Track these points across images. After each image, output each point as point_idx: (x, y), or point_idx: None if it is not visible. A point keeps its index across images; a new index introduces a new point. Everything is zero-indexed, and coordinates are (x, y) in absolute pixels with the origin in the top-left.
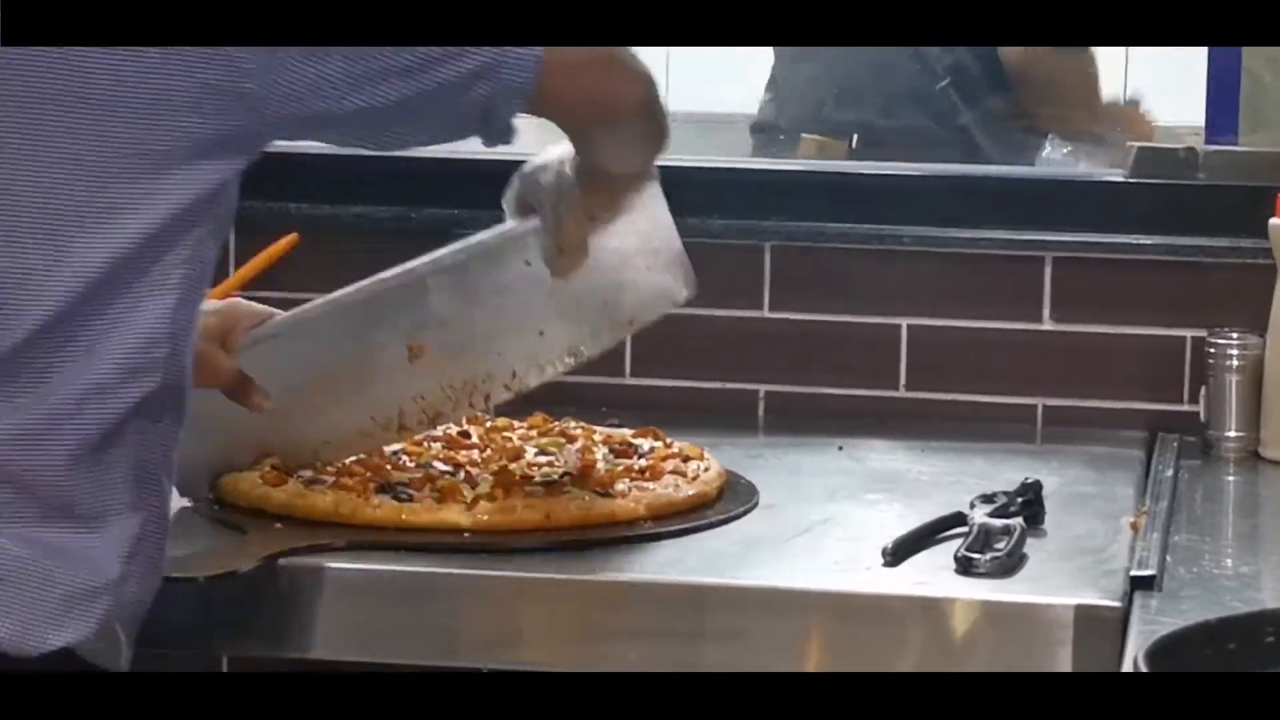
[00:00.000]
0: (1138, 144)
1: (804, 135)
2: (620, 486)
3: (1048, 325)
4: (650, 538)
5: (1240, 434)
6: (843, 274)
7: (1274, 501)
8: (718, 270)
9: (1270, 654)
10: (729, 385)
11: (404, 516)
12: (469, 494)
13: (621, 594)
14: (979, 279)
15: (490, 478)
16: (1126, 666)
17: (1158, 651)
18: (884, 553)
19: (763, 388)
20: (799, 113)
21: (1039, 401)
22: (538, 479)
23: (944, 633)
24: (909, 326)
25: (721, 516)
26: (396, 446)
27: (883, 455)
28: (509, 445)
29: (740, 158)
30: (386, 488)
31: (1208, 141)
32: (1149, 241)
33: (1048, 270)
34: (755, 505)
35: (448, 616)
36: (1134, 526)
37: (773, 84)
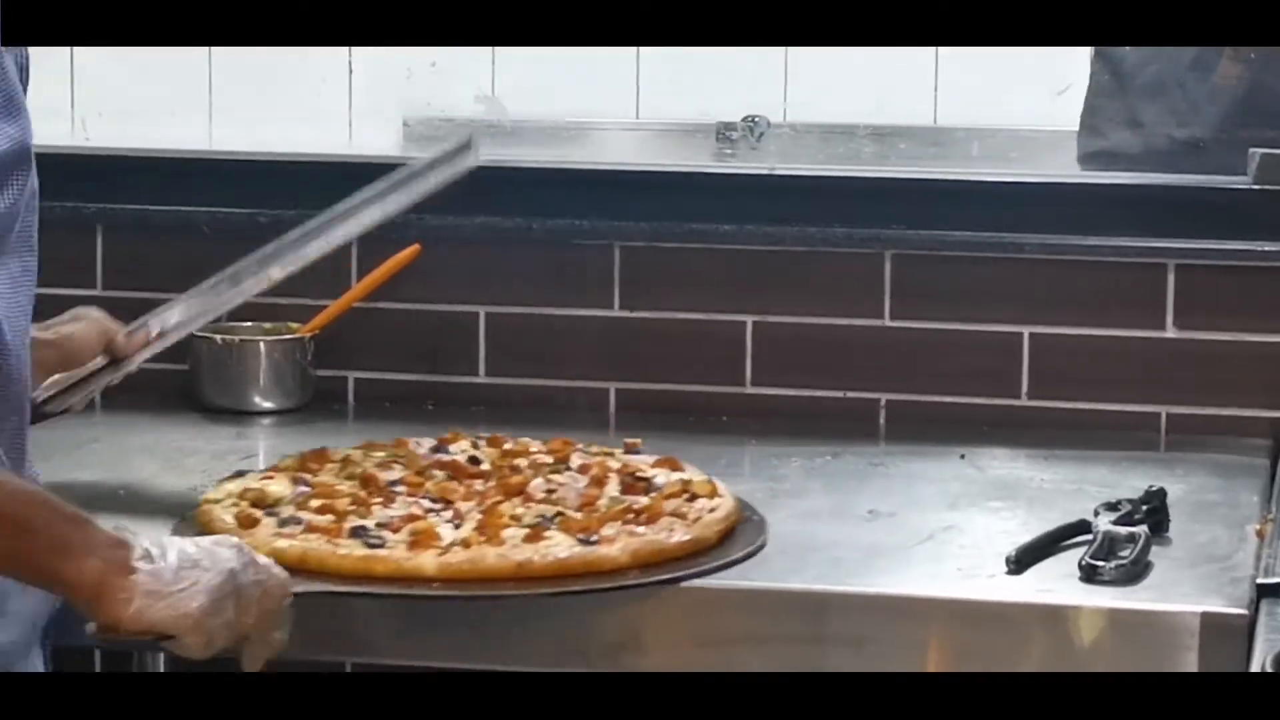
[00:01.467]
0: (1261, 150)
1: None
2: (608, 531)
3: (1170, 333)
4: (632, 589)
5: None
6: (964, 282)
7: None
8: (838, 279)
9: None
10: (850, 394)
11: (372, 566)
12: (446, 538)
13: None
14: (1101, 286)
15: (477, 518)
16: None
17: None
18: (1008, 560)
19: (884, 396)
20: None
21: (1162, 410)
22: (525, 520)
23: (1068, 640)
24: (1030, 334)
25: (715, 564)
26: (395, 476)
27: (1004, 463)
28: (513, 479)
29: (862, 165)
30: (359, 531)
31: None
32: (1272, 248)
33: (1171, 277)
34: (759, 549)
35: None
36: (1260, 534)
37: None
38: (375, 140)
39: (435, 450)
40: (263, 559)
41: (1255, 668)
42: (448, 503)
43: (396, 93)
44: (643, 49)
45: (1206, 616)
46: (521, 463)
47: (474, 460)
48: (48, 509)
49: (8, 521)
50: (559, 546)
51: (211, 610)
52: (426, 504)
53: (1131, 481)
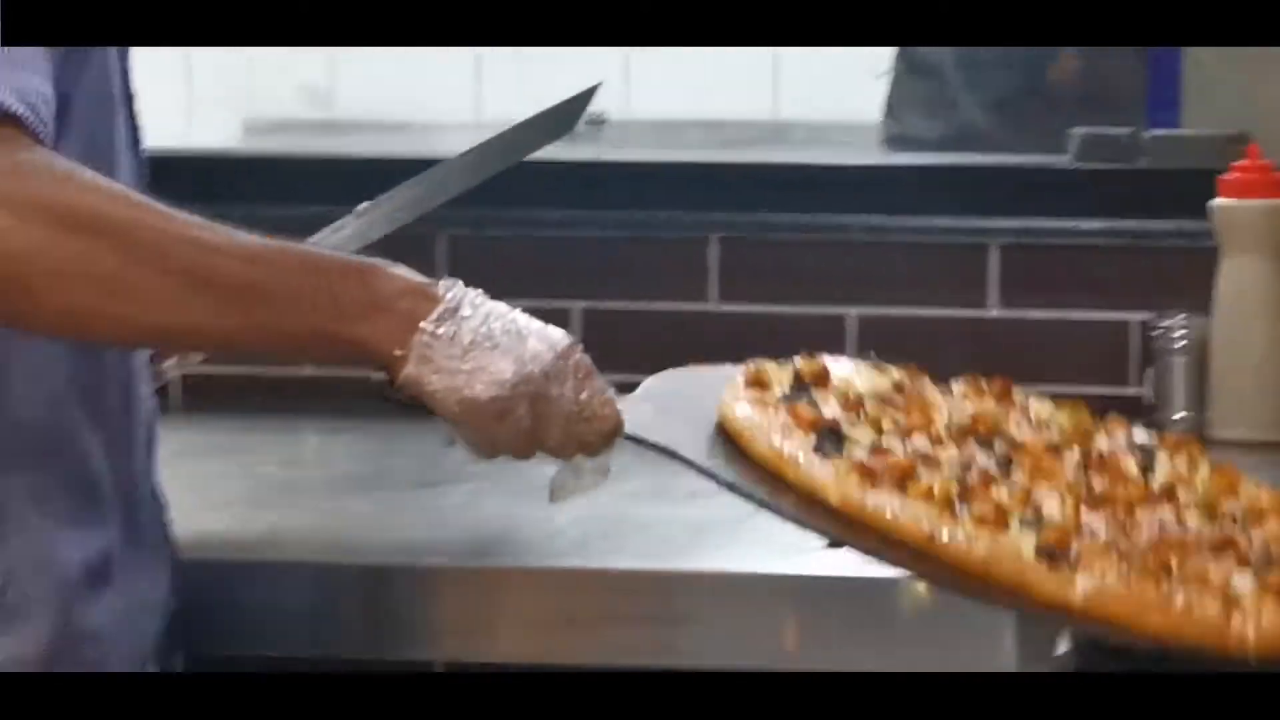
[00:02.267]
0: (1081, 130)
1: None
2: None
3: (994, 312)
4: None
5: (1187, 415)
6: (790, 265)
7: None
8: (663, 263)
9: None
10: None
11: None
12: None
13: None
14: (926, 267)
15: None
16: None
17: None
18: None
19: None
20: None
21: None
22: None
23: (892, 610)
24: (858, 316)
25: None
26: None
27: None
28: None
29: (686, 150)
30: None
31: (1150, 126)
32: (1094, 226)
33: (994, 257)
34: None
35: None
36: None
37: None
38: (213, 137)
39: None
40: (600, 379)
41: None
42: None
43: (236, 89)
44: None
45: None
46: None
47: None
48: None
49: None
50: None
51: (495, 410)
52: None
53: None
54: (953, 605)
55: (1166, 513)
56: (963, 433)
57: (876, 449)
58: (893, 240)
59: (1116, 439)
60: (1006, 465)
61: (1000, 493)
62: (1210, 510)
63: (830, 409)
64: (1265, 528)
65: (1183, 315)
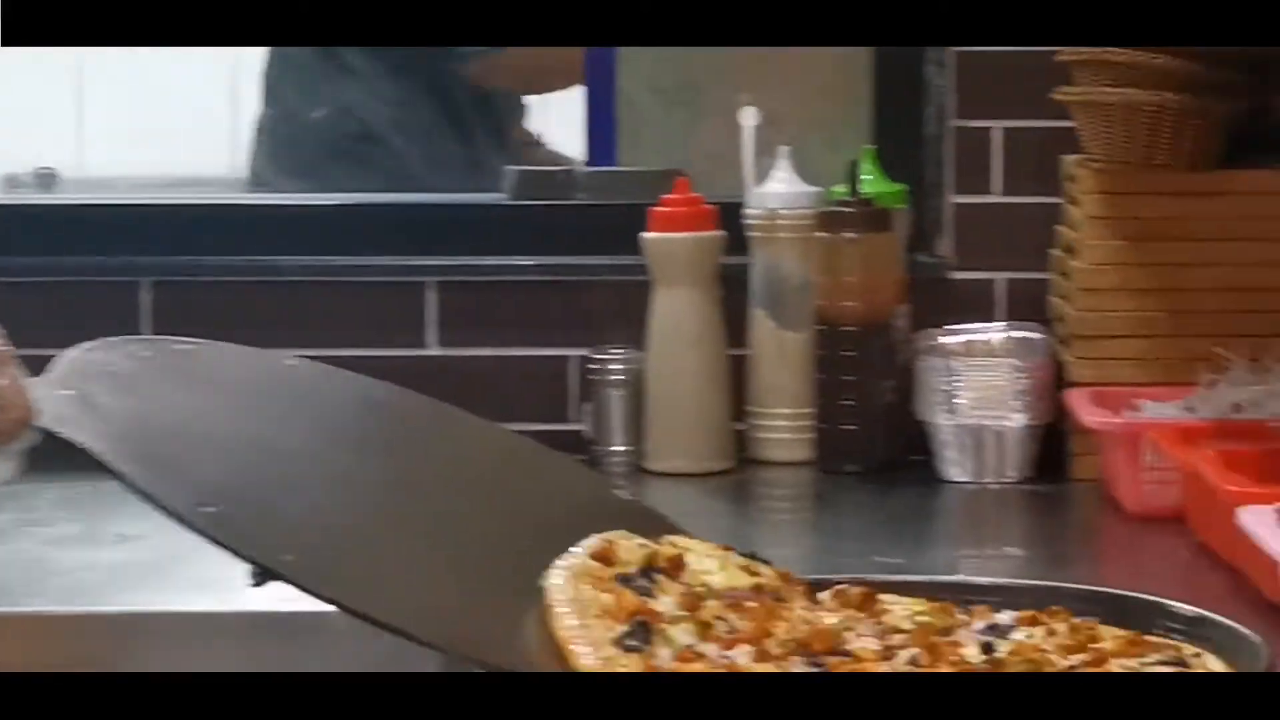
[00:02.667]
0: (517, 168)
1: None
2: None
3: (434, 350)
4: None
5: (626, 448)
6: (224, 306)
7: (656, 507)
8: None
9: None
10: None
11: None
12: None
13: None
14: (363, 307)
15: None
16: None
17: None
18: (252, 574)
19: None
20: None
21: None
22: None
23: (316, 645)
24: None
25: None
26: None
27: None
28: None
29: (109, 194)
30: None
31: (588, 164)
32: (531, 262)
33: (431, 295)
34: None
35: None
36: None
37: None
38: None
39: None
40: (17, 368)
41: None
42: None
43: None
44: None
45: None
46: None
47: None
48: None
49: None
50: None
51: None
52: None
53: None
54: None
55: None
56: (795, 648)
57: (685, 654)
58: (328, 279)
59: (974, 627)
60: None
61: None
62: (1036, 668)
63: (664, 603)
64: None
65: (619, 349)
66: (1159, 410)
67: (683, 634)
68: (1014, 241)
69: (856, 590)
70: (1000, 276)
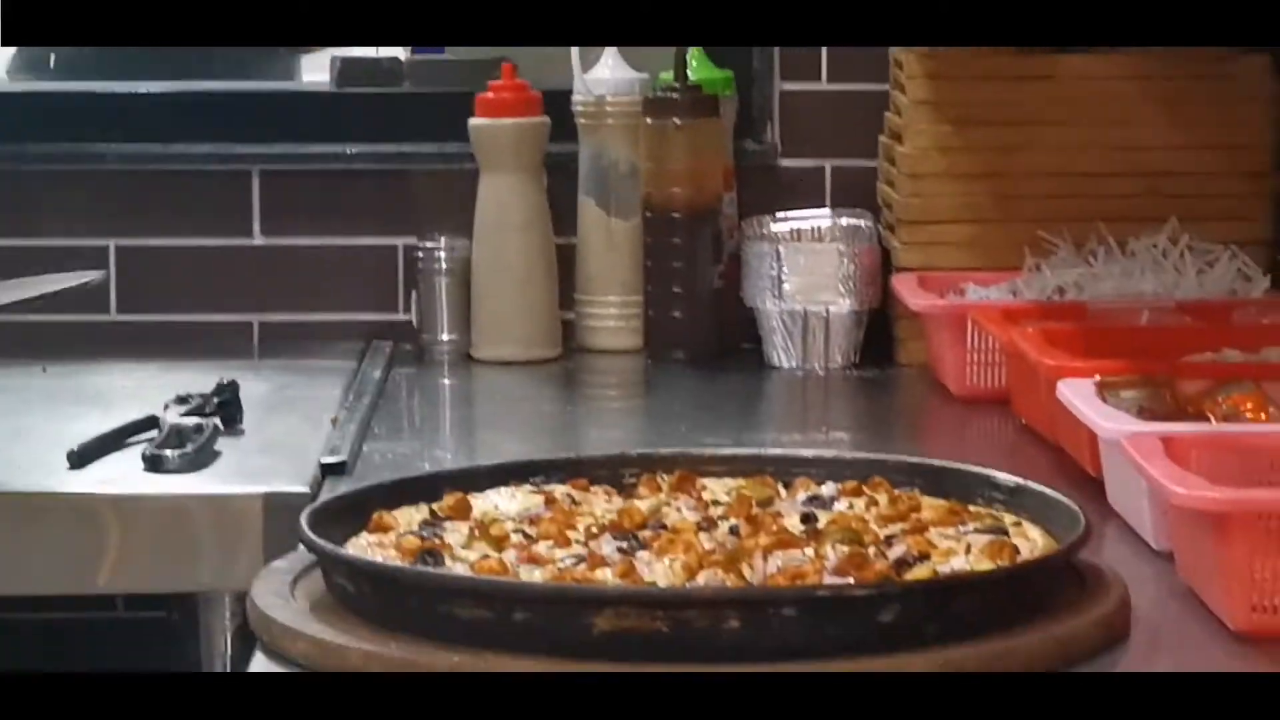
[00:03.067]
0: (341, 55)
1: None
2: None
3: (259, 240)
4: None
5: (452, 337)
6: (45, 198)
7: (484, 395)
8: None
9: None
10: None
11: None
12: None
13: None
14: (186, 195)
15: None
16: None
17: (318, 512)
18: (69, 455)
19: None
20: None
21: (254, 318)
22: None
23: (139, 528)
24: (117, 247)
25: None
26: None
27: (92, 376)
28: None
29: None
30: None
31: (415, 52)
32: (356, 151)
33: (255, 184)
34: None
35: None
36: (333, 421)
37: None
38: None
39: None
40: None
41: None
42: None
43: None
44: None
45: (270, 496)
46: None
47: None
48: None
49: None
50: None
51: None
52: None
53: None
54: None
55: (805, 552)
56: (600, 531)
57: (480, 563)
58: (151, 168)
59: (796, 498)
60: (634, 550)
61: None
62: (855, 539)
63: (454, 538)
64: (912, 539)
65: (445, 238)
66: (983, 294)
67: (473, 554)
68: (841, 128)
69: (671, 476)
70: (827, 163)
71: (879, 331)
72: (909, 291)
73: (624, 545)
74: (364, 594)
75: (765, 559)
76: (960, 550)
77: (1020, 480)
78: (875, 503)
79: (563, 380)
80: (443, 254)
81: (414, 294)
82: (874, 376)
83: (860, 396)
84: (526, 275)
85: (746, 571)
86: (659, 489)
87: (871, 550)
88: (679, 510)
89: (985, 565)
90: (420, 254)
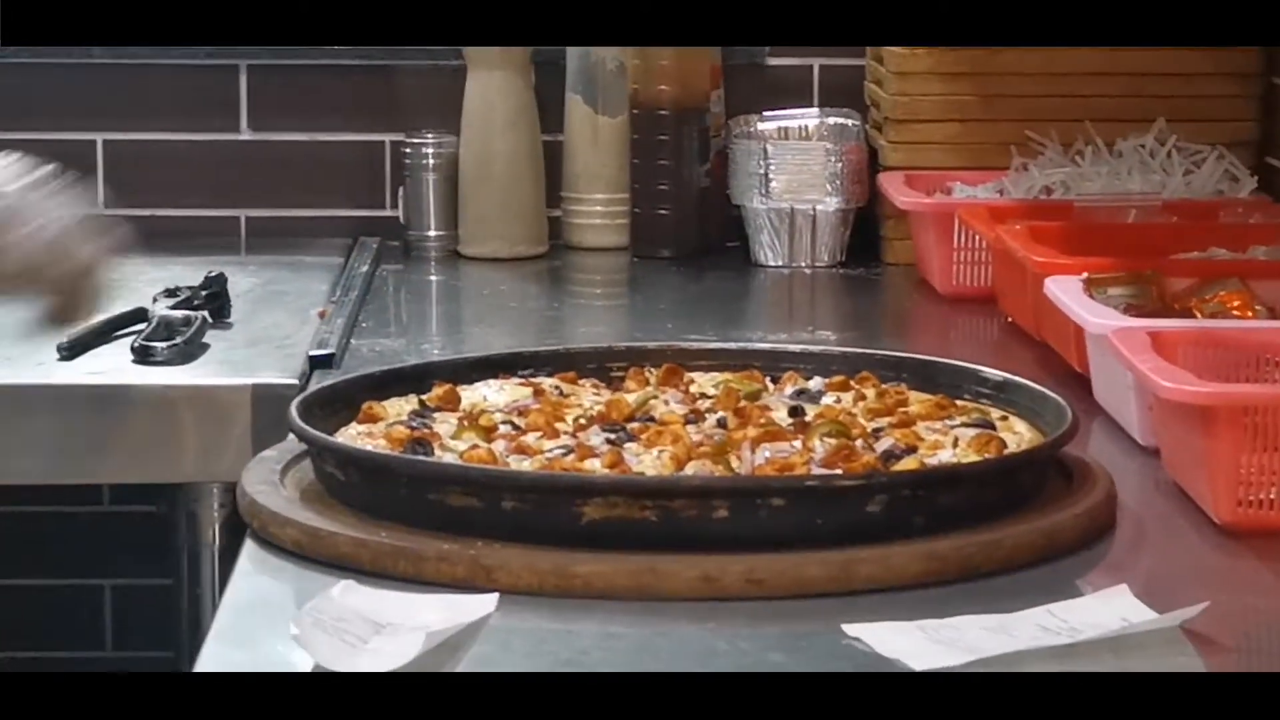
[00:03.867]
0: None
1: None
2: None
3: (246, 135)
4: None
5: (440, 233)
6: (33, 91)
7: (470, 291)
8: None
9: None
10: None
11: None
12: None
13: None
14: (175, 89)
15: None
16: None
17: (307, 401)
18: (59, 348)
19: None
20: None
21: (241, 213)
22: None
23: (128, 419)
24: (105, 142)
25: None
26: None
27: None
28: None
29: None
30: None
31: None
32: (343, 46)
33: (244, 79)
34: None
35: None
36: (321, 315)
37: None
38: None
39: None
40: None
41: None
42: None
43: None
44: None
45: (259, 388)
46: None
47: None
48: None
49: None
50: None
51: None
52: None
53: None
54: None
55: (792, 444)
56: (589, 423)
57: (469, 453)
58: (139, 62)
59: (783, 392)
60: (623, 442)
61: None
62: (843, 432)
63: (444, 428)
64: (899, 433)
65: (432, 134)
66: (970, 193)
67: (461, 444)
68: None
69: (659, 370)
70: (815, 62)
71: (866, 230)
72: (896, 190)
73: (612, 436)
74: (353, 482)
75: (753, 451)
76: (947, 443)
77: (1007, 375)
78: (863, 396)
79: (549, 277)
80: (430, 150)
81: (401, 190)
82: (860, 275)
83: (846, 295)
84: (513, 172)
85: (734, 463)
86: (646, 382)
87: (859, 443)
88: (666, 403)
89: (972, 458)
90: (407, 150)
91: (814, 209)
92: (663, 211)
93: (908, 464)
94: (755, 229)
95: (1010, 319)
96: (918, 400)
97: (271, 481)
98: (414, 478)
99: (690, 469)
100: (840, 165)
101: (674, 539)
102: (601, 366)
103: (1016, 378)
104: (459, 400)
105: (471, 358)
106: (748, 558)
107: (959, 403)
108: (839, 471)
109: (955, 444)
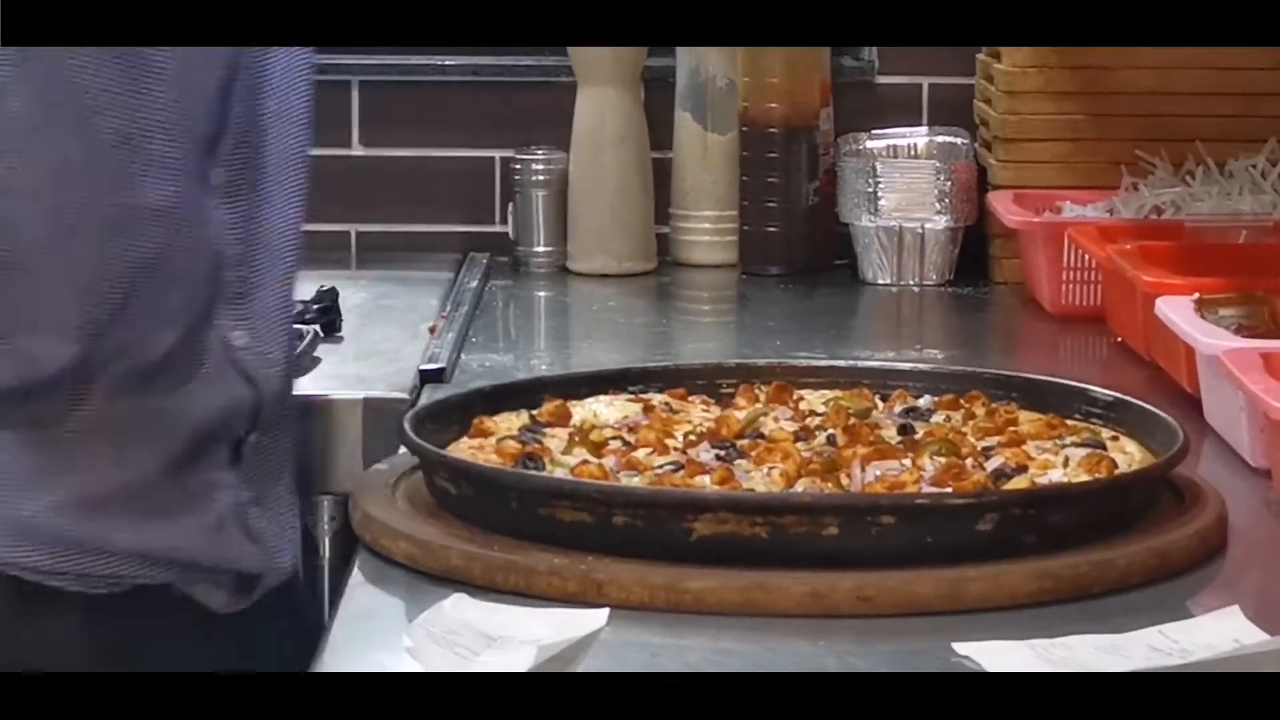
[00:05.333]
0: None
1: None
2: None
3: (358, 151)
4: None
5: (549, 249)
6: None
7: (579, 307)
8: None
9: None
10: None
11: None
12: None
13: None
14: None
15: None
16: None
17: (420, 414)
18: None
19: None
20: None
21: (352, 228)
22: None
23: None
24: None
25: None
26: None
27: None
28: None
29: None
30: None
31: None
32: (454, 62)
33: (355, 94)
34: None
35: None
36: (432, 330)
37: None
38: None
39: None
40: None
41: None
42: None
43: None
44: None
45: (369, 401)
46: None
47: None
48: None
49: None
50: None
51: None
52: None
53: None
54: None
55: (902, 462)
56: (698, 439)
57: (579, 469)
58: None
59: (893, 410)
60: (732, 459)
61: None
62: (953, 450)
63: (553, 444)
64: (1009, 452)
65: (542, 150)
66: (1080, 212)
67: (573, 459)
68: (939, 46)
69: (768, 386)
70: (924, 80)
71: (974, 249)
72: (1005, 209)
73: (722, 453)
74: (465, 496)
75: (863, 469)
76: (1058, 463)
77: (1118, 395)
78: (973, 415)
79: (657, 293)
80: (540, 166)
81: (510, 206)
82: (968, 294)
83: (954, 313)
84: (622, 189)
85: (844, 481)
86: (756, 399)
87: (969, 462)
88: (775, 420)
89: (1083, 478)
90: (517, 166)
91: (922, 227)
92: (771, 228)
93: (1018, 483)
94: (863, 247)
95: (1120, 339)
96: (1028, 420)
97: (384, 495)
98: (525, 492)
99: (800, 486)
100: (949, 183)
101: (784, 555)
102: (711, 383)
103: (1127, 398)
104: (569, 416)
105: (582, 373)
106: (857, 575)
107: (1069, 422)
108: (949, 490)
109: (1066, 464)
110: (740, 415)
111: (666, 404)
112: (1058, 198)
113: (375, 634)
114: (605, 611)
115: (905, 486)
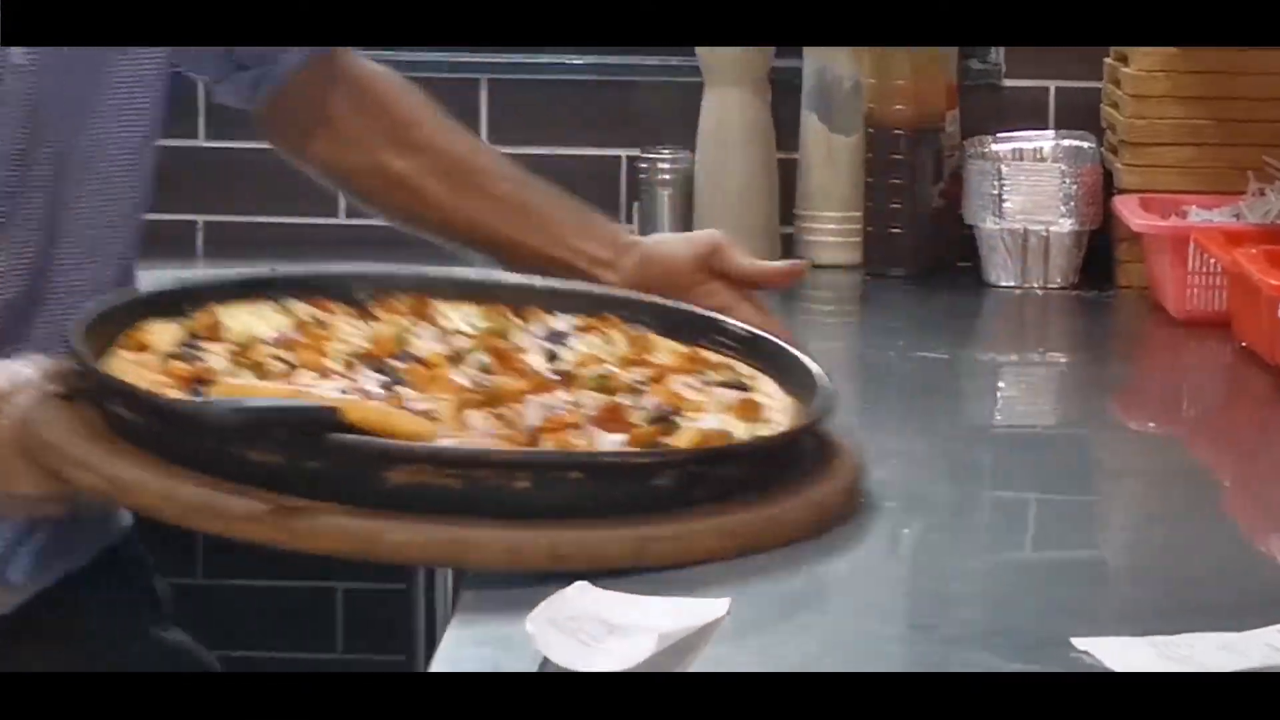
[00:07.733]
0: None
1: None
2: None
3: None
4: None
5: None
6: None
7: None
8: None
9: None
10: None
11: None
12: None
13: None
14: None
15: None
16: None
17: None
18: None
19: (201, 218)
20: None
21: None
22: None
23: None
24: None
25: None
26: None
27: None
28: None
29: None
30: None
31: None
32: (583, 61)
33: (484, 93)
34: None
35: None
36: None
37: None
38: None
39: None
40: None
41: None
42: None
43: None
44: None
45: None
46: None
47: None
48: None
49: None
50: None
51: None
52: None
53: None
54: None
55: (560, 396)
56: (356, 360)
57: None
58: None
59: (534, 331)
60: (394, 385)
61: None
62: (607, 388)
63: (216, 359)
64: (660, 391)
65: (669, 149)
66: (1205, 216)
67: (242, 380)
68: (1066, 49)
69: (407, 298)
70: (1051, 84)
71: (1099, 253)
72: (1131, 213)
73: (384, 380)
74: (153, 430)
75: (525, 405)
76: (708, 405)
77: (752, 330)
78: (610, 341)
79: (781, 293)
80: (665, 166)
81: (636, 205)
82: (1093, 297)
83: (1078, 316)
84: (748, 189)
85: (512, 415)
86: (396, 310)
87: (625, 400)
88: (422, 339)
89: (738, 424)
90: (643, 165)
91: (1047, 230)
92: (896, 230)
93: (687, 433)
94: (988, 249)
95: (1245, 344)
96: (667, 349)
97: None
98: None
99: (474, 419)
100: (1075, 187)
101: (475, 505)
102: (348, 293)
103: (760, 333)
104: (220, 328)
105: (230, 280)
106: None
107: (708, 355)
108: (624, 437)
109: (717, 407)
110: (388, 332)
111: (314, 316)
112: (1183, 202)
113: (498, 621)
114: (726, 601)
115: (572, 429)
